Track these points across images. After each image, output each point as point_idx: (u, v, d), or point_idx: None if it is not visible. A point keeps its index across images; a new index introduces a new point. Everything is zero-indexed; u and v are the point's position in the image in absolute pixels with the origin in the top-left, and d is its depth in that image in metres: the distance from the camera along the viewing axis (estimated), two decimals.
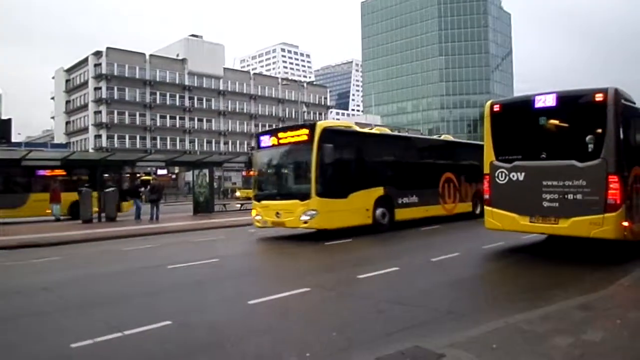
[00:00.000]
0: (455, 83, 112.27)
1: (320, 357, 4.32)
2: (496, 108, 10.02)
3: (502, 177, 9.63)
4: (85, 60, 66.85)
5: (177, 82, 69.78)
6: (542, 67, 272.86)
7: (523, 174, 9.32)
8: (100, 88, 63.87)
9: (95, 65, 65.13)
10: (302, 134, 13.00)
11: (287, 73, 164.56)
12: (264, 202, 13.80)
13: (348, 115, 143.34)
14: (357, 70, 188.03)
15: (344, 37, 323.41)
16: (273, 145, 13.81)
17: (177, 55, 71.30)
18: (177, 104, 70.12)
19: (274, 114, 78.64)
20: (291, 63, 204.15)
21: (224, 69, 76.37)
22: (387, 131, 19.62)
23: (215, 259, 10.08)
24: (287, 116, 78.63)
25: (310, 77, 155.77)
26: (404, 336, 4.73)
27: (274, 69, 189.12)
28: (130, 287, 7.92)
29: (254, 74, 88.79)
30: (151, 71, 67.61)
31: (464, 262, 9.35)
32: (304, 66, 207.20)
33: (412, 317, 5.54)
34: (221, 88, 74.23)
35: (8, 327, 5.65)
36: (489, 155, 9.98)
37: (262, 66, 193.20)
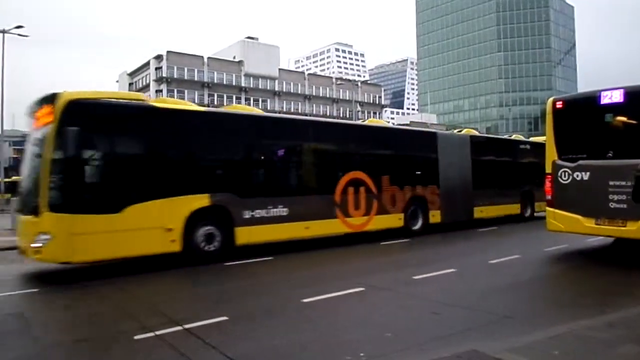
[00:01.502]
0: (515, 80, 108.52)
1: (374, 358, 4.31)
2: (559, 105, 9.66)
3: (565, 176, 9.28)
4: (147, 64, 69.56)
5: (233, 83, 71.35)
6: (609, 62, 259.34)
7: (588, 173, 8.94)
8: (161, 90, 66.28)
9: (156, 68, 67.64)
10: (46, 112, 8.43)
11: (341, 73, 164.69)
12: (21, 217, 9.10)
13: (402, 114, 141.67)
14: (412, 69, 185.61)
15: (398, 35, 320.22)
16: (32, 131, 9.22)
17: (234, 58, 72.90)
18: (234, 104, 71.67)
19: (328, 114, 78.96)
20: (345, 62, 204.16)
21: (279, 70, 77.38)
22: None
23: None
24: (341, 116, 78.70)
25: (364, 76, 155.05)
26: (460, 339, 4.65)
27: (328, 68, 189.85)
28: None
29: (309, 74, 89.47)
30: (209, 73, 69.48)
31: (523, 264, 9.05)
32: (358, 65, 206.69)
33: (469, 320, 5.43)
34: (276, 89, 75.25)
35: None
36: (551, 154, 9.63)
37: (316, 66, 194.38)
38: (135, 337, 4.93)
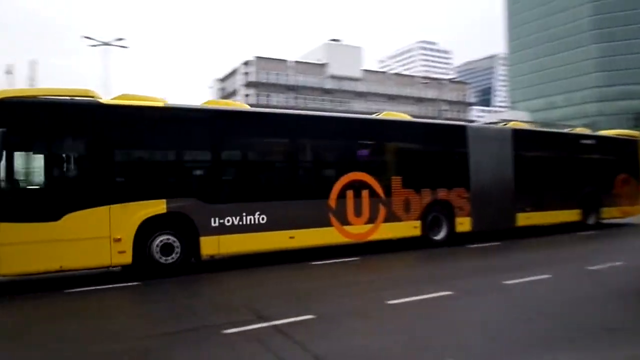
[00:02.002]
0: (615, 73, 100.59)
1: None
2: None
3: None
4: (236, 69, 72.31)
5: (318, 86, 72.30)
6: None
7: None
8: (249, 95, 68.61)
9: (245, 73, 70.11)
10: None
11: (425, 71, 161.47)
12: None
13: (490, 112, 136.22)
14: (501, 65, 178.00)
15: (485, 31, 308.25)
16: None
17: (318, 60, 73.83)
18: (319, 107, 72.61)
19: (413, 114, 77.61)
20: (430, 61, 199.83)
21: (363, 70, 77.31)
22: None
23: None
24: (426, 115, 77.15)
25: (450, 74, 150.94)
26: (556, 349, 4.40)
27: (412, 67, 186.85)
28: None
29: (393, 74, 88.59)
30: (294, 76, 70.93)
31: (627, 272, 8.37)
32: (443, 63, 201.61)
33: (565, 330, 5.12)
34: (360, 90, 75.25)
35: None
36: None
37: (400, 65, 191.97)
38: (224, 332, 5.14)
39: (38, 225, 7.59)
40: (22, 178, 8.22)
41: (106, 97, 9.08)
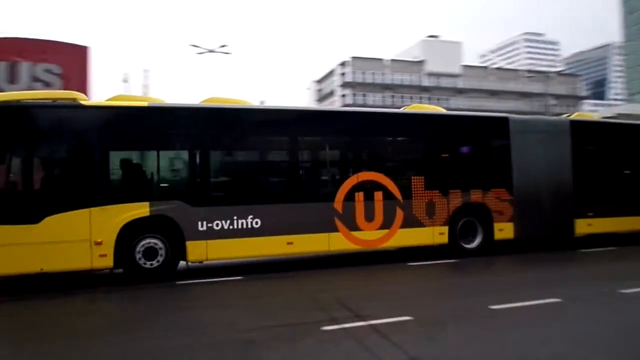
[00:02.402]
0: None
1: None
2: None
3: None
4: (333, 70, 73.24)
5: (415, 84, 71.19)
6: None
7: None
8: (345, 95, 69.20)
9: (341, 74, 70.80)
10: None
11: (531, 64, 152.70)
12: None
13: (604, 105, 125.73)
14: (616, 54, 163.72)
15: (597, 19, 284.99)
16: None
17: (415, 58, 72.68)
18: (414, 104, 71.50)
19: (517, 110, 73.87)
20: (536, 53, 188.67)
21: (462, 66, 74.88)
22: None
23: None
24: (533, 111, 72.99)
25: (557, 67, 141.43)
26: None
27: (516, 61, 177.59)
28: None
29: (494, 68, 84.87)
30: (390, 75, 70.44)
31: None
32: (550, 55, 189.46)
33: None
34: (459, 86, 72.97)
35: None
36: None
37: (503, 59, 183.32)
38: (324, 328, 5.24)
39: (19, 227, 7.60)
40: (3, 181, 8.04)
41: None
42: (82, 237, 7.87)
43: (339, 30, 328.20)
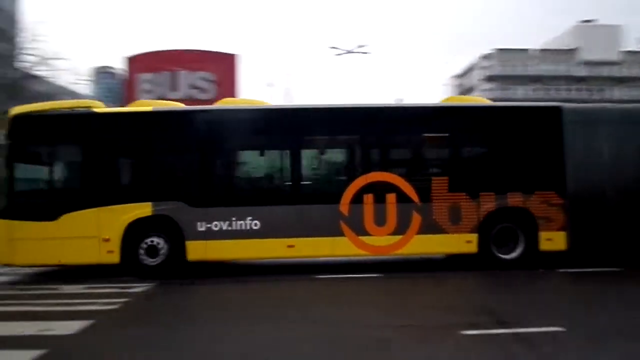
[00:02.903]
0: None
1: None
2: None
3: None
4: (474, 65, 70.24)
5: (567, 74, 65.44)
6: None
7: None
8: (487, 89, 65.94)
9: (484, 67, 67.60)
10: (4, 127, 9.11)
11: None
12: None
13: None
14: None
15: None
16: None
17: (567, 46, 66.80)
18: (566, 97, 65.68)
19: None
20: None
21: (623, 52, 67.03)
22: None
23: None
24: None
25: None
26: None
27: None
28: None
29: None
30: (538, 66, 65.60)
31: None
32: None
33: None
34: (619, 75, 65.48)
35: None
36: None
37: None
38: (463, 332, 5.05)
39: (40, 224, 8.52)
40: (28, 182, 9.21)
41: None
42: (92, 234, 8.56)
43: (478, 23, 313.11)
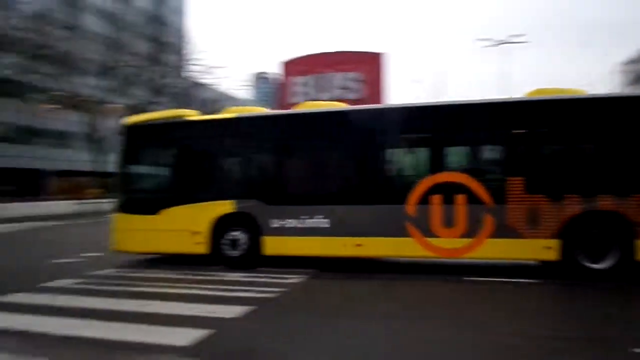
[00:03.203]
0: None
1: None
2: None
3: None
4: None
5: None
6: None
7: None
8: None
9: None
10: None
11: None
12: None
13: None
14: None
15: None
16: None
17: None
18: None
19: None
20: None
21: None
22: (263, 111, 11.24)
23: None
24: None
25: None
26: None
27: None
28: None
29: None
30: None
31: None
32: None
33: None
34: None
35: None
36: None
37: None
38: (634, 350, 4.53)
39: (146, 217, 10.02)
40: (135, 182, 10.83)
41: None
42: (184, 227, 9.77)
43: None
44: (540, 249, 8.21)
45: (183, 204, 9.92)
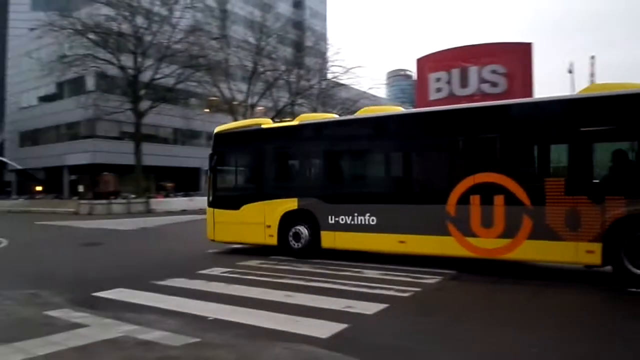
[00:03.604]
0: None
1: None
2: None
3: None
4: None
5: None
6: None
7: None
8: None
9: None
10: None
11: None
12: None
13: None
14: None
15: None
16: None
17: None
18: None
19: None
20: None
21: None
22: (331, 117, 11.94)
23: None
24: None
25: None
26: None
27: None
28: None
29: None
30: None
31: None
32: None
33: None
34: None
35: None
36: None
37: None
38: None
39: (230, 212, 11.71)
40: (222, 182, 12.45)
41: None
42: (259, 221, 11.21)
43: None
44: (580, 252, 7.81)
45: (258, 201, 11.37)
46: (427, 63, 26.82)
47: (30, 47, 47.52)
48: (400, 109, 11.46)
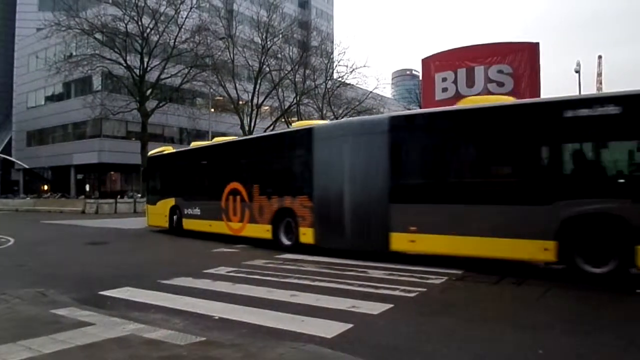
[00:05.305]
0: None
1: None
2: None
3: None
4: None
5: None
6: None
7: None
8: None
9: None
10: None
11: None
12: None
13: None
14: None
15: None
16: None
17: None
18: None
19: None
20: None
21: None
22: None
23: None
24: None
25: None
26: None
27: None
28: None
29: None
30: None
31: None
32: None
33: None
34: None
35: None
36: None
37: None
38: None
39: (153, 206, 18.03)
40: (149, 186, 19.34)
41: None
42: (163, 212, 17.01)
43: None
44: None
45: (162, 199, 17.15)
46: (432, 63, 26.69)
47: (37, 47, 47.77)
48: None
